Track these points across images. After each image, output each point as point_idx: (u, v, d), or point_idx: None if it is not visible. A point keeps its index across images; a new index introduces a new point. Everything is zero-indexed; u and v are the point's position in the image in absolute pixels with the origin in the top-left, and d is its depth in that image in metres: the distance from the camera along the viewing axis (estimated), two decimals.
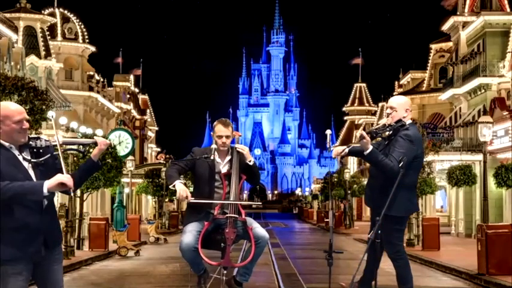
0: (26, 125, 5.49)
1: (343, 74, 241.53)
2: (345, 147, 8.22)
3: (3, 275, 5.37)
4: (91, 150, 5.89)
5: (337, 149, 8.33)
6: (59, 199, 29.29)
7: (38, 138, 5.62)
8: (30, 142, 5.51)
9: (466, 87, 42.13)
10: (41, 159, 5.49)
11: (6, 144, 5.45)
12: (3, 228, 5.35)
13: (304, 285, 14.12)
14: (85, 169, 5.77)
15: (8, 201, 5.29)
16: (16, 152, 5.47)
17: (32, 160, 5.48)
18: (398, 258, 8.11)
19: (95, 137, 5.81)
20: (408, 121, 8.22)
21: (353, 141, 64.33)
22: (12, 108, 5.49)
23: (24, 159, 5.47)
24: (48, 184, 5.26)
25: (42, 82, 38.48)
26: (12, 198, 5.26)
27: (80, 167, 5.83)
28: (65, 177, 5.30)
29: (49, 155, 5.53)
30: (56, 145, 5.55)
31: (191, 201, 7.56)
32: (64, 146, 5.70)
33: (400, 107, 8.25)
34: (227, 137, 7.73)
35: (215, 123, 7.88)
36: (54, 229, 5.61)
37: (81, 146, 5.88)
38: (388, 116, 8.24)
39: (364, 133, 7.84)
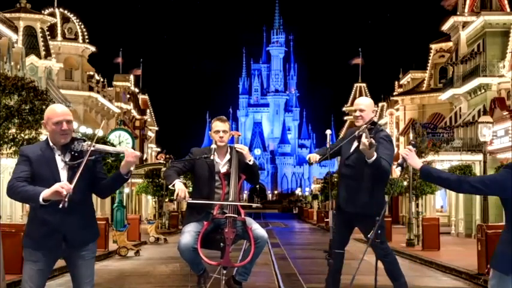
0: (65, 126, 5.74)
1: (343, 74, 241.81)
2: (319, 156, 8.42)
3: (24, 259, 5.88)
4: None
5: (314, 157, 8.45)
6: None
7: (83, 140, 5.82)
8: (72, 145, 5.76)
9: (466, 87, 42.12)
10: (74, 162, 5.73)
11: (51, 144, 5.79)
12: (31, 221, 5.84)
13: (304, 285, 14.11)
14: (112, 178, 5.92)
15: (19, 201, 5.77)
16: (57, 153, 5.79)
17: (67, 162, 5.76)
18: (388, 254, 8.32)
19: (125, 148, 5.88)
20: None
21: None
22: (55, 110, 5.81)
23: (62, 160, 5.77)
24: (43, 194, 5.48)
25: (42, 82, 38.47)
26: (21, 199, 5.71)
27: (111, 175, 5.97)
28: (59, 187, 5.43)
29: (85, 159, 5.67)
30: (92, 149, 5.73)
31: (189, 201, 7.55)
32: (94, 150, 5.78)
33: (368, 108, 8.42)
34: (224, 131, 7.75)
35: (212, 120, 7.91)
36: (78, 229, 5.82)
37: (111, 154, 6.04)
38: (357, 118, 8.36)
39: (367, 142, 7.70)
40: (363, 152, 7.84)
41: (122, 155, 5.83)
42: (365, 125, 8.11)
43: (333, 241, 8.35)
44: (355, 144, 8.20)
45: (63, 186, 5.43)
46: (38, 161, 5.72)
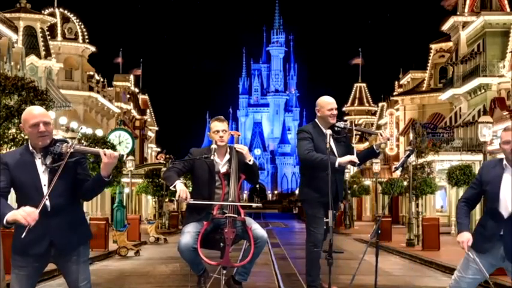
0: (42, 128, 5.55)
1: (343, 74, 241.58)
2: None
3: (12, 265, 5.75)
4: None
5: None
6: None
7: (65, 141, 5.65)
8: (52, 147, 5.60)
9: (466, 87, 42.14)
10: (54, 165, 5.58)
11: (30, 148, 5.64)
12: (17, 227, 5.63)
13: (304, 285, 14.09)
14: (93, 181, 5.72)
15: None
16: (38, 156, 5.63)
17: (48, 165, 5.60)
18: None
19: (103, 150, 5.62)
20: None
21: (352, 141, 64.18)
22: (31, 112, 5.64)
23: (42, 163, 5.61)
24: (7, 217, 5.37)
25: (42, 82, 38.49)
26: None
27: (92, 177, 5.77)
28: (20, 216, 5.31)
29: (64, 161, 5.53)
30: (71, 151, 5.57)
31: (190, 202, 7.54)
32: (73, 152, 5.63)
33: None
34: (223, 131, 7.74)
35: (211, 121, 7.91)
36: (66, 232, 5.69)
37: (91, 156, 5.75)
38: (335, 116, 8.73)
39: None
40: (379, 147, 8.49)
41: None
42: (346, 123, 8.77)
43: (318, 233, 8.48)
44: (327, 139, 8.38)
45: (27, 216, 5.28)
46: (17, 167, 5.57)
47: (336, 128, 8.53)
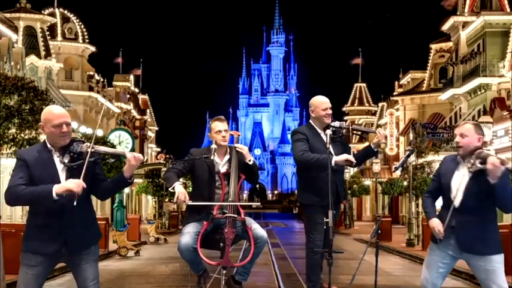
0: (65, 129, 5.65)
1: (343, 74, 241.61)
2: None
3: (21, 263, 5.77)
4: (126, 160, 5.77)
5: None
6: None
7: (81, 141, 5.74)
8: (71, 146, 5.68)
9: (466, 87, 42.13)
10: (73, 164, 5.65)
11: (49, 145, 5.70)
12: (31, 226, 5.73)
13: (304, 285, 14.09)
14: (114, 181, 5.82)
15: (28, 204, 5.68)
16: (56, 154, 5.70)
17: (66, 163, 5.66)
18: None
19: (125, 151, 5.78)
20: None
21: (352, 141, 64.28)
22: (54, 112, 5.72)
23: (60, 161, 5.67)
24: (56, 189, 5.45)
25: (42, 82, 38.49)
26: (29, 202, 5.60)
27: (113, 177, 5.87)
28: (73, 184, 5.45)
29: (86, 160, 5.60)
30: (92, 151, 5.65)
31: (189, 204, 7.54)
32: (95, 152, 5.71)
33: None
34: (226, 131, 7.75)
35: (211, 122, 7.90)
36: (80, 232, 5.73)
37: (111, 156, 5.81)
38: (329, 116, 8.61)
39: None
40: (374, 145, 8.32)
41: (122, 157, 5.72)
42: (342, 123, 8.55)
43: (318, 240, 8.35)
44: (326, 139, 8.24)
45: (78, 185, 5.41)
46: (36, 164, 5.62)
47: (332, 128, 8.37)
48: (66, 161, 5.68)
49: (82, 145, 5.68)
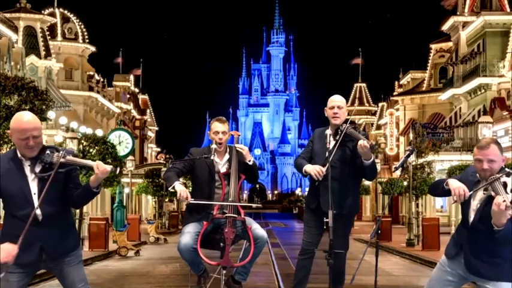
0: (31, 142, 5.40)
1: (343, 74, 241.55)
2: (324, 168, 7.65)
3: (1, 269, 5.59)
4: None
5: (319, 171, 7.63)
6: None
7: (56, 149, 5.51)
8: (42, 156, 5.44)
9: (466, 87, 42.13)
10: (44, 174, 5.43)
11: (19, 155, 5.48)
12: (5, 235, 5.47)
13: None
14: (82, 191, 5.61)
15: None
16: (27, 163, 5.48)
17: (37, 174, 5.46)
18: (346, 250, 8.04)
19: (95, 163, 5.49)
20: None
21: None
22: (21, 123, 5.40)
23: (31, 171, 5.46)
24: None
25: (42, 82, 38.48)
26: None
27: (82, 186, 5.66)
28: (3, 254, 5.23)
29: (53, 171, 5.40)
30: (62, 161, 5.44)
31: (191, 202, 7.54)
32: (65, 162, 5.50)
33: (345, 105, 7.96)
34: (223, 132, 7.73)
35: (211, 121, 7.91)
36: (56, 240, 5.58)
37: (82, 168, 5.58)
38: (334, 116, 7.82)
39: (368, 145, 7.40)
40: (361, 154, 7.49)
41: (92, 169, 5.49)
42: (348, 125, 7.69)
43: (306, 241, 8.13)
44: (332, 143, 7.78)
45: (8, 255, 5.20)
46: (5, 175, 5.43)
47: (338, 131, 7.70)
48: (37, 170, 5.45)
49: (53, 155, 5.44)
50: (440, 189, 6.09)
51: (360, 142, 7.37)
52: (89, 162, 5.53)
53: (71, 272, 5.66)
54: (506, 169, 5.87)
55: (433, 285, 6.24)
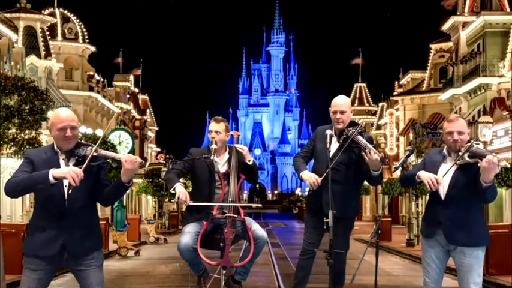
0: (69, 133, 5.63)
1: (343, 74, 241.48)
2: (320, 179, 7.56)
3: (24, 266, 5.75)
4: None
5: (316, 181, 7.59)
6: None
7: (89, 145, 5.72)
8: (76, 150, 5.67)
9: (466, 87, 42.13)
10: (79, 167, 5.57)
11: (55, 148, 5.69)
12: (31, 227, 5.76)
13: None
14: (113, 186, 5.75)
15: (26, 191, 5.59)
16: (62, 157, 5.70)
17: (71, 166, 5.61)
18: (346, 251, 8.04)
19: (125, 155, 5.63)
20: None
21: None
22: (60, 115, 5.69)
23: (66, 165, 5.65)
24: (53, 172, 5.41)
25: (42, 82, 38.48)
26: (28, 187, 5.51)
27: (113, 182, 5.78)
28: (68, 171, 5.39)
29: (86, 164, 5.56)
30: (94, 155, 5.63)
31: (190, 204, 7.54)
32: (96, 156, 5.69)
33: (349, 109, 7.68)
34: (216, 132, 7.76)
35: (210, 121, 7.97)
36: (78, 238, 5.67)
37: (114, 161, 5.77)
38: (337, 121, 7.60)
39: (379, 157, 7.30)
40: (369, 164, 7.34)
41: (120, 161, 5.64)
42: (354, 130, 7.47)
43: (306, 241, 8.11)
44: (335, 145, 7.64)
45: (75, 173, 5.34)
46: (42, 165, 5.59)
47: (343, 135, 7.51)
48: (71, 164, 5.65)
49: (87, 149, 5.66)
50: (412, 182, 6.69)
51: (375, 157, 7.25)
52: (120, 155, 5.71)
53: (89, 275, 5.74)
54: (472, 141, 6.53)
55: (427, 265, 7.11)
